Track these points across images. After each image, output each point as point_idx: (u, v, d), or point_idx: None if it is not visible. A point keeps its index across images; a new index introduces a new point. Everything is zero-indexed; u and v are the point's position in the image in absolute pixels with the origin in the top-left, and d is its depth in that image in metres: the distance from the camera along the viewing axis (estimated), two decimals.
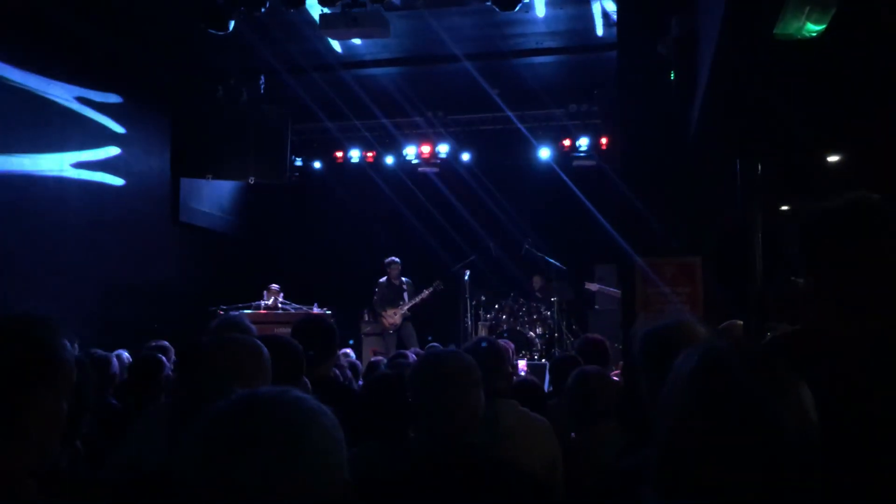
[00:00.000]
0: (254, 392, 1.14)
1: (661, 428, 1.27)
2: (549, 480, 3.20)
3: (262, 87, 10.83)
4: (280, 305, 10.12)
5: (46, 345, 1.55)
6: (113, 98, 10.30)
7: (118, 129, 10.41)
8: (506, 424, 3.21)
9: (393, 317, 11.21)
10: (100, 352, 5.74)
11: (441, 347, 6.07)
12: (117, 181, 10.38)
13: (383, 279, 11.43)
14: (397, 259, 11.44)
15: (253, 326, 3.43)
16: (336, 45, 10.23)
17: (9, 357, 1.50)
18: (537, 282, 11.66)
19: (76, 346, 6.58)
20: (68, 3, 9.03)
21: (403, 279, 11.44)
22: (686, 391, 1.24)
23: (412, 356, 5.62)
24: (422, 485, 2.31)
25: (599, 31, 9.59)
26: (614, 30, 8.86)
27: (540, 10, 9.32)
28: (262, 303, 10.03)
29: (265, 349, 2.43)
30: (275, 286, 10.26)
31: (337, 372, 5.42)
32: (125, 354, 6.41)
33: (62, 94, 9.38)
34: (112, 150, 10.32)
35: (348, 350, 8.07)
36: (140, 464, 3.08)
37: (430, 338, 7.47)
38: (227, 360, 2.35)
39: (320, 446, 1.09)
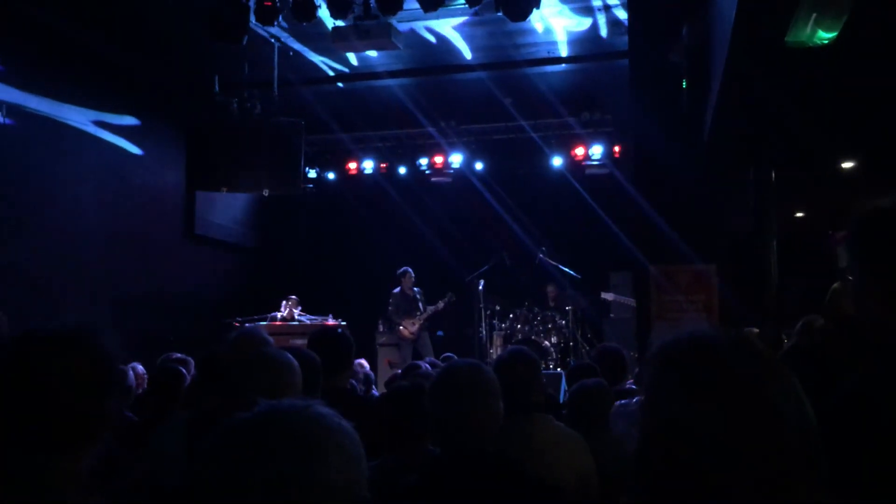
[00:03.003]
0: (276, 405, 1.13)
1: (644, 422, 1.20)
2: (583, 495, 3.17)
3: (276, 99, 10.89)
4: (296, 317, 10.15)
5: (110, 354, 1.62)
6: (129, 120, 10.43)
7: (135, 150, 10.54)
8: (541, 440, 3.18)
9: (411, 327, 11.23)
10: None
11: (457, 358, 6.07)
12: (132, 193, 10.48)
13: (397, 289, 11.46)
14: (411, 269, 11.47)
15: (270, 338, 3.45)
16: (352, 57, 10.39)
17: (88, 368, 1.56)
18: (551, 291, 11.64)
19: None
20: (81, 20, 9.12)
21: (415, 289, 11.47)
22: (670, 378, 1.17)
23: (426, 366, 5.63)
24: (439, 498, 2.31)
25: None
26: (626, 38, 8.90)
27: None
28: (278, 314, 10.05)
29: (297, 366, 2.47)
30: (294, 297, 10.28)
31: (353, 383, 5.45)
32: (139, 367, 6.45)
33: (79, 117, 9.51)
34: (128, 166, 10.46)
35: (363, 360, 8.08)
36: (159, 477, 3.11)
37: (448, 353, 7.53)
38: (264, 376, 2.40)
39: (339, 464, 1.08)
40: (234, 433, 1.10)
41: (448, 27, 9.74)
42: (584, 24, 9.74)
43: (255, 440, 1.07)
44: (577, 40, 10.28)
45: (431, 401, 2.47)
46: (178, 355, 5.87)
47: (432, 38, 10.11)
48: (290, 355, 2.56)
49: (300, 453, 1.06)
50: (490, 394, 2.43)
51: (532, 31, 9.86)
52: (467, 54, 10.63)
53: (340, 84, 12.15)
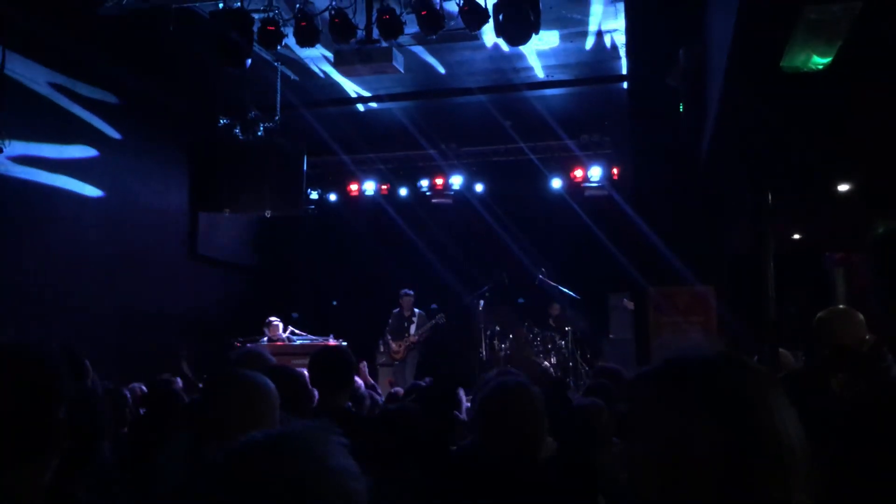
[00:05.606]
0: (280, 435, 1.12)
1: (639, 441, 1.21)
2: None
3: (278, 121, 10.97)
4: (294, 338, 10.16)
5: (56, 365, 1.62)
6: (131, 137, 10.51)
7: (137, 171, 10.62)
8: None
9: (398, 348, 11.29)
10: (112, 385, 5.80)
11: (423, 384, 6.15)
12: (136, 214, 10.54)
13: (397, 310, 11.51)
14: (410, 291, 11.50)
15: (273, 358, 3.49)
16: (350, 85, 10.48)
17: (36, 380, 1.56)
18: (555, 309, 11.68)
19: (94, 375, 6.63)
20: (87, 42, 9.23)
21: (416, 311, 11.50)
22: (666, 395, 1.19)
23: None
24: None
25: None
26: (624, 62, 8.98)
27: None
28: (264, 339, 9.98)
29: (273, 386, 2.47)
30: (273, 320, 10.23)
31: (370, 394, 5.52)
32: (141, 387, 6.46)
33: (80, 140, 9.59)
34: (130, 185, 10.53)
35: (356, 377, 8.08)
36: (161, 499, 3.13)
37: (421, 381, 7.57)
38: (236, 400, 2.40)
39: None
40: (236, 462, 1.08)
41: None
42: (570, 48, 9.80)
43: (259, 470, 1.06)
44: (571, 64, 10.34)
45: (479, 417, 2.59)
46: (164, 377, 5.88)
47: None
48: (262, 376, 2.52)
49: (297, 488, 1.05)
50: (537, 411, 2.56)
51: (509, 57, 9.92)
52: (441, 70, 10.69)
53: (348, 106, 12.23)
